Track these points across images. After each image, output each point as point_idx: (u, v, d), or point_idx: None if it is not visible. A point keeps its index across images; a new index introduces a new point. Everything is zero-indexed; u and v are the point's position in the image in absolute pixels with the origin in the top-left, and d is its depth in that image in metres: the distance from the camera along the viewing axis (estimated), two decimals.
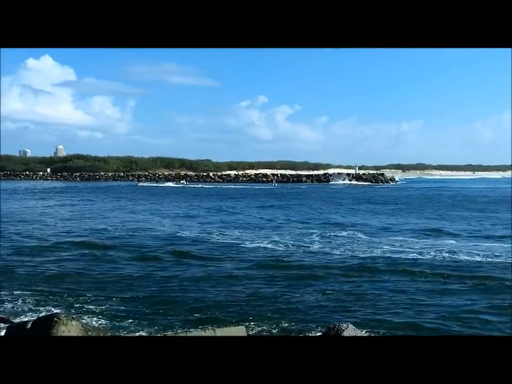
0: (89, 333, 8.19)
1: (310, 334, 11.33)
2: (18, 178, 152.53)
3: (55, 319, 7.65)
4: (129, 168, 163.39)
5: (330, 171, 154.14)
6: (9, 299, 14.35)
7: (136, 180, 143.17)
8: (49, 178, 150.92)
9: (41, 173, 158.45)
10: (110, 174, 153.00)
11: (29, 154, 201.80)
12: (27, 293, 14.98)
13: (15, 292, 15.07)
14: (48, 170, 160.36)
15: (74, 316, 8.87)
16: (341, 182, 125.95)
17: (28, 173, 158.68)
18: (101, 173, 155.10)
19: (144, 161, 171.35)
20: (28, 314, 12.75)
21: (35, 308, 13.47)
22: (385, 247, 23.50)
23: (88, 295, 14.85)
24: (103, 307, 13.78)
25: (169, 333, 11.26)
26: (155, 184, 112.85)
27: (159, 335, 10.83)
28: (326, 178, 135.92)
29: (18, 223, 33.51)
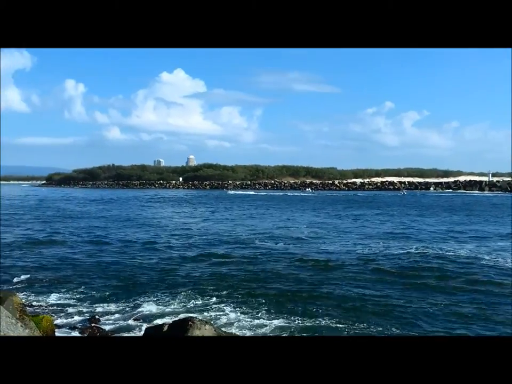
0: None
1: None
2: (153, 186, 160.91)
3: (190, 322, 7.89)
4: (256, 176, 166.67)
5: (461, 178, 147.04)
6: (152, 301, 14.92)
7: (262, 188, 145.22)
8: (181, 186, 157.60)
9: (174, 181, 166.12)
10: (237, 183, 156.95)
11: (163, 164, 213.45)
12: (168, 296, 15.46)
13: (157, 294, 15.66)
14: (181, 179, 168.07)
15: (207, 320, 9.03)
16: (476, 190, 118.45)
17: (161, 181, 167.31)
18: (229, 181, 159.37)
19: (270, 169, 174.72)
20: (167, 316, 13.11)
21: (173, 311, 13.85)
22: None
23: (223, 299, 15.03)
24: (237, 309, 13.89)
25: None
26: (281, 193, 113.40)
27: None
28: (457, 186, 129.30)
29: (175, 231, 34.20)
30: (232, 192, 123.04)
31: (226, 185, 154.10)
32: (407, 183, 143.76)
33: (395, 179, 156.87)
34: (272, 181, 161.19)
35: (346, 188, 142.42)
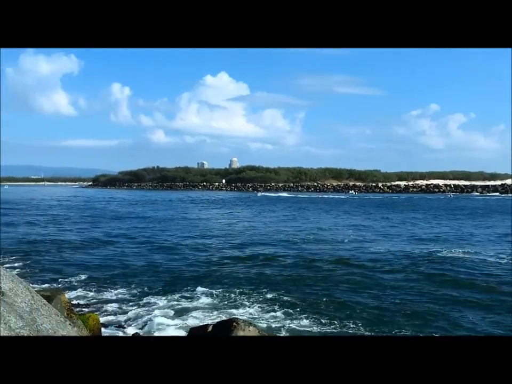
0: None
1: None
2: (196, 188, 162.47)
3: (234, 323, 7.86)
4: (299, 178, 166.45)
5: (509, 181, 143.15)
6: (197, 301, 15.02)
7: (305, 190, 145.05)
8: (224, 188, 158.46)
9: (217, 183, 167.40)
10: (280, 185, 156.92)
11: (206, 166, 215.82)
12: (212, 296, 15.56)
13: (202, 294, 15.77)
14: (223, 181, 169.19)
15: (251, 322, 8.96)
16: None
17: (205, 183, 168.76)
18: (272, 183, 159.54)
19: (313, 172, 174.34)
20: (212, 316, 13.18)
21: (217, 311, 13.88)
22: None
23: (267, 300, 14.96)
24: (281, 311, 13.75)
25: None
26: (330, 195, 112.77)
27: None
28: (504, 189, 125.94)
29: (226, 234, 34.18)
30: (261, 194, 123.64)
31: (268, 187, 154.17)
32: (452, 185, 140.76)
33: (440, 182, 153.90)
34: (315, 183, 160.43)
35: (390, 191, 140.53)
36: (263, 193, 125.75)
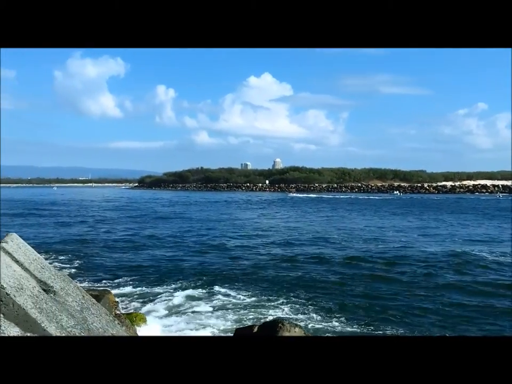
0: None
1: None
2: (240, 189, 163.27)
3: (280, 324, 7.83)
4: (343, 179, 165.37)
5: None
6: (243, 301, 15.08)
7: (349, 190, 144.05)
8: (267, 189, 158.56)
9: (260, 184, 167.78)
10: (324, 186, 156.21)
11: (250, 166, 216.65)
12: (258, 297, 15.54)
13: (248, 294, 15.83)
14: (267, 182, 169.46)
15: (297, 323, 8.94)
16: None
17: (248, 184, 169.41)
18: (315, 184, 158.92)
19: (357, 172, 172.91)
20: (258, 317, 13.20)
21: (263, 312, 13.88)
22: None
23: (314, 301, 14.87)
24: (328, 314, 13.65)
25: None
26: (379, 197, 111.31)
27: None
28: None
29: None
30: (293, 195, 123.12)
31: (312, 188, 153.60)
32: (501, 186, 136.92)
33: (488, 182, 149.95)
34: (359, 184, 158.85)
35: (436, 191, 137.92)
36: (294, 194, 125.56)
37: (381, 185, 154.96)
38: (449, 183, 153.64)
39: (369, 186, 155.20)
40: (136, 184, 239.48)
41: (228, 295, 15.63)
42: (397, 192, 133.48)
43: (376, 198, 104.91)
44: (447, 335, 11.23)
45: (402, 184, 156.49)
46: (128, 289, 16.60)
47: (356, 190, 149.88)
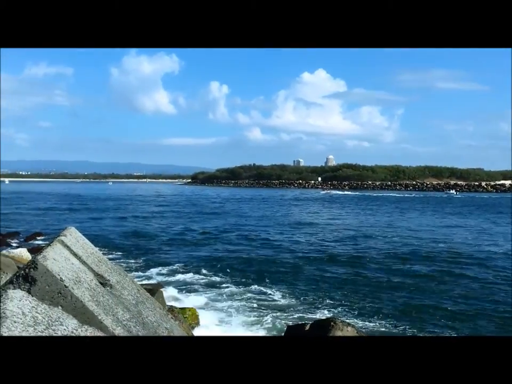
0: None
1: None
2: (292, 186, 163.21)
3: (332, 323, 7.72)
4: (397, 177, 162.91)
5: None
6: (298, 299, 15.00)
7: (403, 188, 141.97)
8: (319, 186, 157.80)
9: (313, 181, 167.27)
10: (377, 183, 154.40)
11: (302, 163, 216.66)
12: (313, 295, 15.45)
13: (304, 293, 15.73)
14: (319, 179, 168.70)
15: (349, 322, 8.86)
16: None
17: (300, 181, 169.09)
18: (369, 182, 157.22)
19: (411, 170, 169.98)
20: (308, 315, 13.16)
21: (316, 310, 13.86)
22: None
23: (374, 303, 14.59)
24: (389, 317, 13.31)
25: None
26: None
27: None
28: None
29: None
30: (324, 192, 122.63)
31: (365, 185, 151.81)
32: None
33: None
34: (414, 182, 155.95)
35: (495, 190, 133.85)
36: (325, 192, 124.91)
37: (437, 184, 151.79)
38: (508, 182, 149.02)
39: (425, 184, 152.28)
40: (189, 180, 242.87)
41: (279, 293, 15.62)
42: (453, 191, 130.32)
43: (433, 196, 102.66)
44: (447, 335, 11.12)
45: (459, 182, 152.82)
46: (180, 283, 16.81)
47: (411, 188, 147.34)
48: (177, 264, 20.32)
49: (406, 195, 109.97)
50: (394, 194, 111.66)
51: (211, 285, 16.59)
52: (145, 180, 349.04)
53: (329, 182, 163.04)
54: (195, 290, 15.85)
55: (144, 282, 15.28)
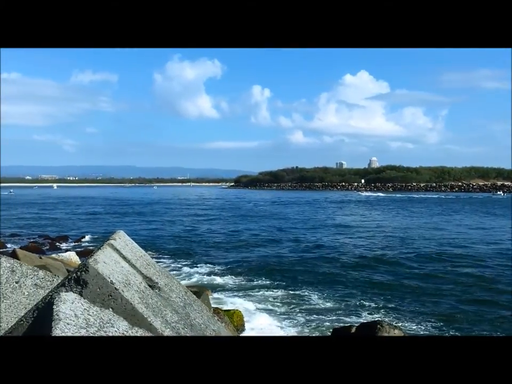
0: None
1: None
2: (335, 188, 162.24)
3: (378, 326, 7.69)
4: (442, 178, 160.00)
5: None
6: (347, 302, 14.88)
7: (449, 190, 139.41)
8: (363, 188, 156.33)
9: (355, 183, 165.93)
10: (422, 185, 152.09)
11: (345, 166, 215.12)
12: (362, 297, 15.37)
13: (352, 295, 15.67)
14: (363, 181, 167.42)
15: (396, 325, 8.90)
16: None
17: (343, 183, 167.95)
18: (413, 183, 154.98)
19: (457, 171, 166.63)
20: (354, 317, 13.14)
21: (359, 312, 13.80)
22: None
23: (424, 306, 14.36)
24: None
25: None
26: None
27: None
28: None
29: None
30: (365, 194, 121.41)
31: (409, 187, 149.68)
32: None
33: None
34: (459, 183, 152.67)
35: None
36: (365, 193, 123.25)
37: (483, 185, 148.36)
38: None
39: (470, 185, 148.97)
40: (233, 184, 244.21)
41: (324, 296, 15.53)
42: (500, 192, 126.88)
43: (479, 197, 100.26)
44: (447, 335, 11.03)
45: (506, 183, 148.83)
46: (224, 286, 16.90)
47: (456, 189, 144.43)
48: (221, 266, 20.44)
49: (451, 196, 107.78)
50: (439, 196, 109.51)
51: (255, 288, 16.61)
52: (189, 183, 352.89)
53: (372, 184, 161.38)
54: (239, 293, 15.89)
55: (190, 283, 15.43)
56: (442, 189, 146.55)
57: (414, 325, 12.43)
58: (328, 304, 14.47)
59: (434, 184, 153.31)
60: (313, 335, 11.37)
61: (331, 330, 10.19)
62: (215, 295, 15.07)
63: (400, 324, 12.02)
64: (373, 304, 14.45)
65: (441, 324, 12.47)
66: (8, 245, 24.54)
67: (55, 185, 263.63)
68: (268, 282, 17.48)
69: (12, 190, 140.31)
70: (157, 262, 5.51)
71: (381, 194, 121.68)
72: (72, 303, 2.95)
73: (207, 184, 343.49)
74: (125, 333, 3.00)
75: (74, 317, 2.79)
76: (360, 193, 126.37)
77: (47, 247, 25.36)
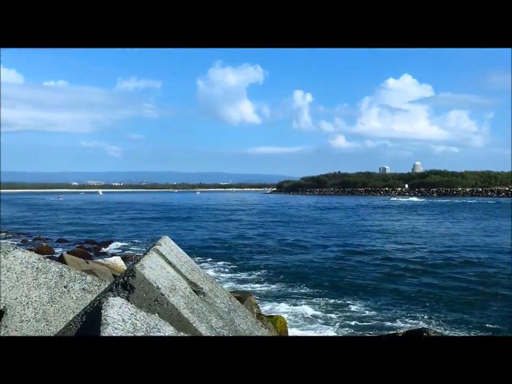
0: None
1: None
2: (378, 193, 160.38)
3: (424, 334, 7.33)
4: (488, 183, 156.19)
5: None
6: (388, 309, 14.74)
7: (495, 195, 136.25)
8: (406, 193, 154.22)
9: (399, 188, 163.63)
10: (467, 190, 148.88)
11: (388, 170, 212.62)
12: (405, 305, 15.15)
13: (393, 302, 15.54)
14: (406, 186, 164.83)
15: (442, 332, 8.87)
16: None
17: (387, 188, 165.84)
18: (458, 188, 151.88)
19: (504, 175, 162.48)
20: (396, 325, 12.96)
21: (409, 320, 13.62)
22: None
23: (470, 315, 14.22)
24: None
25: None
26: None
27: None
28: None
29: None
30: (409, 199, 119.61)
31: (454, 192, 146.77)
32: None
33: None
34: (507, 188, 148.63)
35: None
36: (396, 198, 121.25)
37: None
38: None
39: None
40: (275, 189, 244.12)
41: (366, 303, 15.42)
42: None
43: None
44: (447, 335, 10.77)
45: None
46: (267, 291, 16.90)
47: (503, 194, 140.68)
48: (263, 272, 20.51)
49: (500, 201, 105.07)
50: (486, 201, 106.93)
51: (297, 295, 16.55)
52: (232, 189, 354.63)
53: (416, 189, 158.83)
54: (283, 298, 15.87)
55: (233, 288, 15.50)
56: (489, 193, 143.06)
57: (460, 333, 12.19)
58: (371, 312, 14.32)
59: (480, 189, 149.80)
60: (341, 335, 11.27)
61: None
62: (257, 300, 15.10)
63: (447, 333, 11.81)
64: (417, 313, 14.28)
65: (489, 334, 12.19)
66: (56, 250, 25.18)
67: (100, 190, 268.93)
68: (310, 289, 17.41)
69: (60, 196, 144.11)
70: (201, 267, 5.56)
71: (425, 199, 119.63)
72: (120, 308, 2.99)
73: (249, 189, 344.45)
74: None
75: (122, 322, 2.83)
76: (404, 198, 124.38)
77: (93, 252, 25.91)
